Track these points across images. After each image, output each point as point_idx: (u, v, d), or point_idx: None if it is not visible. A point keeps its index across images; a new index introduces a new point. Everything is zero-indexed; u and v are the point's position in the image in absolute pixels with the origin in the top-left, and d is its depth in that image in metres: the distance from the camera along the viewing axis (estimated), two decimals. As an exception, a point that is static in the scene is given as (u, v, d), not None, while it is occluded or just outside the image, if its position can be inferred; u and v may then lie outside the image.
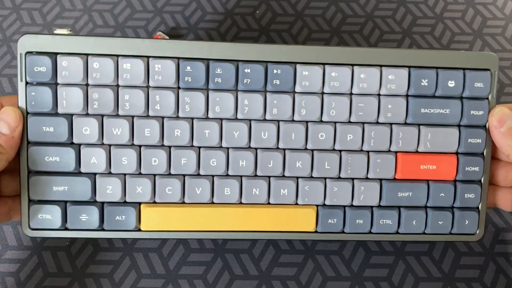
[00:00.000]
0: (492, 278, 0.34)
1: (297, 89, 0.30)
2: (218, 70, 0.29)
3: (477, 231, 0.31)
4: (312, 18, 0.44)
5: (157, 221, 0.30)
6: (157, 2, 0.44)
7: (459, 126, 0.31)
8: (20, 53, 0.28)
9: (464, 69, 0.30)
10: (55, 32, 0.29)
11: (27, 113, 0.29)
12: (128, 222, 0.29)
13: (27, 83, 0.28)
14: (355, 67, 0.30)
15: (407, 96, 0.30)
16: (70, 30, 0.29)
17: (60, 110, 0.29)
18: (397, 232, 0.31)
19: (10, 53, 0.41)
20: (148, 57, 0.29)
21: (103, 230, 0.30)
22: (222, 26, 0.43)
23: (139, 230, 0.30)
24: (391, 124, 0.30)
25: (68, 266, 0.34)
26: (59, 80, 0.28)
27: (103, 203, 0.30)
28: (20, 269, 0.33)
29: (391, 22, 0.44)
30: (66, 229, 0.30)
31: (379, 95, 0.30)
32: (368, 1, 0.45)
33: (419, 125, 0.31)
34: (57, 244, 0.34)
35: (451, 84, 0.30)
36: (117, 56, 0.29)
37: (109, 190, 0.29)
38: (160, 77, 0.29)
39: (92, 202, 0.29)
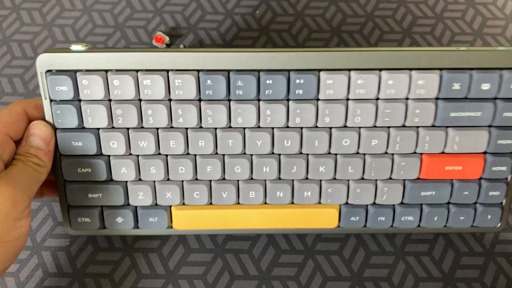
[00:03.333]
0: (492, 278, 0.34)
1: (321, 97, 0.29)
2: (239, 82, 0.28)
3: (499, 224, 0.31)
4: (312, 18, 0.44)
5: (187, 222, 0.31)
6: (157, 2, 0.44)
7: (489, 126, 0.30)
8: (40, 72, 0.28)
9: (501, 69, 0.28)
10: (71, 48, 0.29)
11: (55, 128, 0.29)
12: (160, 223, 0.31)
13: (51, 100, 0.29)
14: (383, 72, 0.28)
15: (436, 99, 0.29)
16: (87, 45, 0.29)
17: (86, 125, 0.29)
18: (418, 226, 0.31)
19: (10, 53, 0.41)
20: (167, 70, 0.28)
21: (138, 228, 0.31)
22: (222, 26, 0.43)
23: (171, 228, 0.31)
24: (417, 127, 0.30)
25: (68, 266, 0.34)
26: (81, 98, 0.29)
27: (136, 207, 0.31)
28: (20, 269, 0.33)
29: (391, 22, 0.44)
30: (105, 228, 0.31)
31: (407, 99, 0.29)
32: (368, 1, 0.45)
33: (447, 127, 0.30)
34: (57, 244, 0.34)
35: (486, 86, 0.28)
36: (136, 71, 0.28)
37: (141, 196, 0.30)
38: (181, 92, 0.29)
39: (126, 205, 0.31)
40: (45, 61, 0.28)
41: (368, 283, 0.34)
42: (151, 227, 0.31)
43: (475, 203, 0.31)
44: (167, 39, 0.41)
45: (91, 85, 0.28)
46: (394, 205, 0.31)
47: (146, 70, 0.28)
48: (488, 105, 0.29)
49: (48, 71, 0.28)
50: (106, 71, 0.28)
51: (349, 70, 0.28)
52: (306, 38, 0.42)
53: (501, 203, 0.31)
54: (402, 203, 0.31)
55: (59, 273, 0.33)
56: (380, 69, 0.28)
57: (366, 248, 0.35)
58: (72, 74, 0.28)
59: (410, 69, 0.28)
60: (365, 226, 0.31)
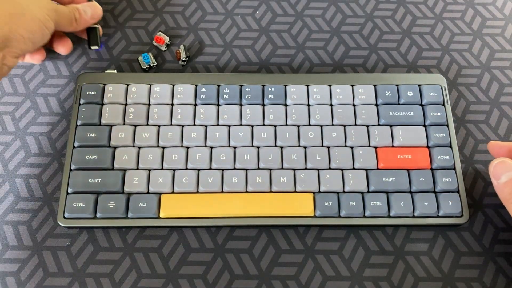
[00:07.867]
0: (491, 278, 0.34)
1: (288, 102, 0.38)
2: (226, 90, 0.38)
3: (463, 213, 0.34)
4: (312, 18, 0.44)
5: (175, 208, 0.34)
6: (157, 3, 0.44)
7: (424, 125, 0.37)
8: (79, 85, 0.37)
9: (419, 85, 0.38)
10: (106, 72, 0.39)
11: (76, 125, 0.36)
12: (149, 208, 0.34)
13: (79, 104, 0.37)
14: (332, 86, 0.38)
15: (376, 104, 0.38)
16: (115, 69, 0.40)
17: (103, 122, 0.36)
18: (389, 216, 0.34)
19: (10, 53, 0.41)
20: (173, 84, 0.38)
21: (127, 218, 0.34)
22: (222, 27, 0.43)
23: (159, 217, 0.34)
24: (367, 126, 0.37)
25: (69, 266, 0.34)
26: (105, 101, 0.37)
27: (129, 193, 0.34)
28: (20, 269, 0.33)
29: (391, 22, 0.44)
30: (95, 217, 0.34)
31: (353, 105, 0.38)
32: (368, 1, 0.45)
33: (390, 125, 0.37)
34: (57, 244, 0.34)
35: (410, 93, 0.38)
36: (151, 85, 0.38)
37: (136, 181, 0.34)
38: (182, 96, 0.37)
39: (121, 192, 0.34)
40: (85, 78, 0.38)
41: (368, 282, 0.34)
42: (140, 212, 0.33)
43: (435, 191, 0.35)
44: (167, 39, 0.41)
45: (114, 91, 0.37)
46: (362, 192, 0.35)
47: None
48: (417, 107, 0.37)
49: (85, 84, 0.37)
50: (128, 84, 0.38)
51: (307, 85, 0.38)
52: (306, 38, 0.43)
53: (458, 190, 0.35)
54: (368, 191, 0.35)
55: (59, 272, 0.33)
56: (330, 85, 0.38)
57: (365, 248, 0.35)
58: (102, 84, 0.38)
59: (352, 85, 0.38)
60: (339, 215, 0.34)
